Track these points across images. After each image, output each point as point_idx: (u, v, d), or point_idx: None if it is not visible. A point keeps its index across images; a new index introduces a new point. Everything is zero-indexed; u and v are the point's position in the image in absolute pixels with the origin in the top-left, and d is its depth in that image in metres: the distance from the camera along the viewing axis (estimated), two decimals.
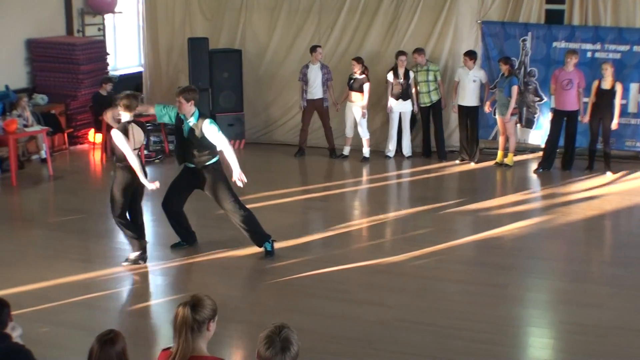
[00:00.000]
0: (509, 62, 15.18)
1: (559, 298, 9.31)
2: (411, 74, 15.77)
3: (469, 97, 15.42)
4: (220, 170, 10.24)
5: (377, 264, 10.19)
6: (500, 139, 15.54)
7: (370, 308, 8.83)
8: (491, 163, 15.47)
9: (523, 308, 9.07)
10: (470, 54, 15.37)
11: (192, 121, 9.93)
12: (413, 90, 15.84)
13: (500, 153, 15.54)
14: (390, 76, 15.83)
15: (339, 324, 8.42)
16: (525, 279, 9.90)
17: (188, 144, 10.05)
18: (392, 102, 15.91)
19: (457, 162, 15.67)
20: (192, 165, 10.16)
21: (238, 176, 10.00)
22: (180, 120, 10.08)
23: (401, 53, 15.78)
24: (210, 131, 9.87)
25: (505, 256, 10.74)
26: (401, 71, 15.72)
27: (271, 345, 4.41)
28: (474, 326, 8.29)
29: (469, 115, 15.55)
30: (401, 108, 15.94)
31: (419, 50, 15.76)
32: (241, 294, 9.68)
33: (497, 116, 15.40)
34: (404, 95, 15.81)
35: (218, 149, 10.06)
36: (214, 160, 10.14)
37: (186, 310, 4.82)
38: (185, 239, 10.80)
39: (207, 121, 9.94)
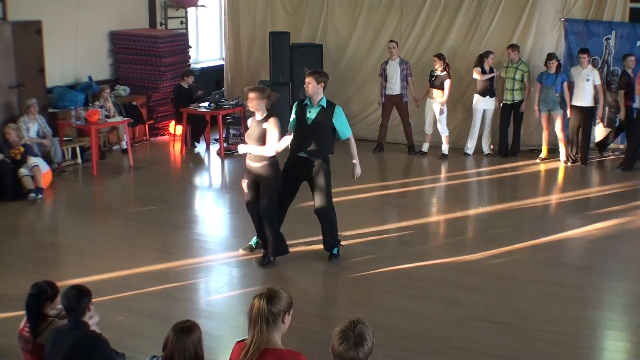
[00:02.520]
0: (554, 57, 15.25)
1: (637, 302, 9.11)
2: (495, 72, 15.65)
3: (580, 96, 14.94)
4: (329, 162, 10.00)
5: (454, 262, 10.11)
6: (544, 134, 15.60)
7: (446, 306, 8.77)
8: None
9: (600, 310, 8.91)
10: (584, 51, 14.92)
11: (320, 106, 9.79)
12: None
13: (546, 148, 15.68)
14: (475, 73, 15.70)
15: (414, 321, 8.36)
16: (603, 281, 9.71)
17: (310, 132, 9.81)
18: (477, 98, 15.81)
19: (566, 163, 15.35)
20: (305, 155, 9.89)
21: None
22: (303, 108, 9.89)
23: (489, 52, 15.65)
24: (341, 118, 9.84)
25: (583, 257, 10.61)
26: (487, 68, 15.58)
27: (345, 340, 4.39)
28: (550, 327, 8.17)
29: (583, 117, 15.03)
30: (486, 105, 15.82)
31: (513, 47, 15.58)
32: (317, 287, 9.70)
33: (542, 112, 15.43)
34: (490, 92, 15.68)
35: (342, 138, 9.99)
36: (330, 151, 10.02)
37: (262, 302, 4.82)
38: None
39: (338, 108, 9.88)
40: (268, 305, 4.82)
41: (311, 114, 9.78)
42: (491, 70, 15.59)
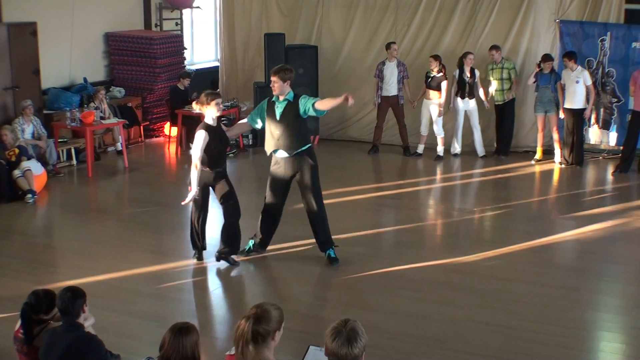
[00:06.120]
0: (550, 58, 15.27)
1: (632, 303, 9.08)
2: (477, 73, 15.67)
3: (571, 98, 14.88)
4: (314, 158, 9.86)
5: (449, 264, 10.10)
6: (539, 136, 15.59)
7: (441, 307, 8.76)
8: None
9: (595, 312, 8.90)
10: (569, 55, 14.87)
11: (286, 100, 9.65)
12: (481, 90, 15.75)
13: (540, 150, 15.65)
14: (456, 74, 15.75)
15: (409, 322, 8.35)
16: (598, 283, 9.71)
17: (281, 127, 9.66)
18: (457, 100, 15.85)
19: (561, 165, 15.35)
20: (285, 153, 9.75)
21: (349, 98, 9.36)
22: (271, 104, 9.77)
23: (467, 53, 15.70)
24: (306, 101, 9.60)
25: (578, 259, 10.60)
26: (467, 69, 15.60)
27: (337, 336, 4.39)
28: (545, 329, 8.16)
29: (575, 119, 14.96)
30: (466, 107, 15.84)
31: (495, 47, 15.58)
32: (312, 289, 9.67)
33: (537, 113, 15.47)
34: (470, 93, 15.70)
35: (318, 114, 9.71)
36: (308, 145, 9.85)
37: (248, 324, 4.70)
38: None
39: (302, 96, 9.72)
40: (254, 326, 4.68)
41: (279, 109, 9.66)
42: (472, 72, 15.61)
